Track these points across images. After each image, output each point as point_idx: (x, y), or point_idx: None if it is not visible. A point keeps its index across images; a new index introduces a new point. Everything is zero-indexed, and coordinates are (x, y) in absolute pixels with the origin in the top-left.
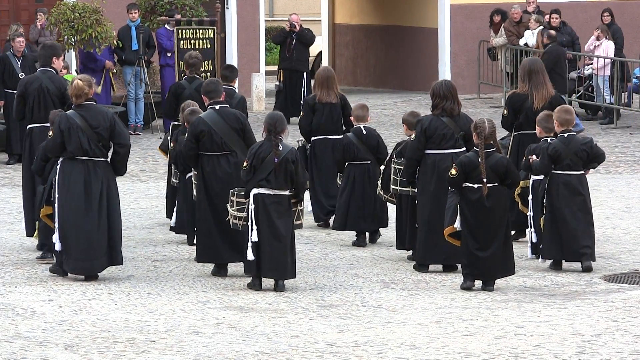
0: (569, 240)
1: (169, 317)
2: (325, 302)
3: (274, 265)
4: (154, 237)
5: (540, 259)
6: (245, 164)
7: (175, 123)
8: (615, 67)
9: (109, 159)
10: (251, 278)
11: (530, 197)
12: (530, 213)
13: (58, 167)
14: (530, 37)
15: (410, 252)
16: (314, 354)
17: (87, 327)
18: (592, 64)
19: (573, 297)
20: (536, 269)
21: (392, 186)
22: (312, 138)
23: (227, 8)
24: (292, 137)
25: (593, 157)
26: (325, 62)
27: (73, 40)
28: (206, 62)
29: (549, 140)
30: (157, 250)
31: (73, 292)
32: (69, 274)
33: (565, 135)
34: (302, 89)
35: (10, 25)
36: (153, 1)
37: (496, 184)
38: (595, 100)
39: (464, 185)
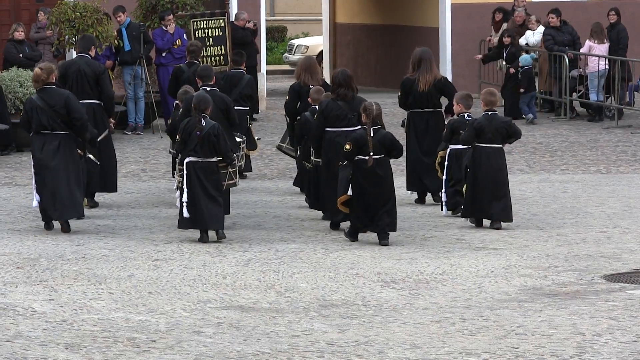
0: (486, 202)
1: (169, 316)
2: (326, 301)
3: (210, 218)
4: (154, 236)
5: (463, 218)
6: (177, 137)
7: (177, 103)
8: (617, 67)
9: (69, 131)
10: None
11: (446, 163)
12: (444, 177)
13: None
14: (530, 37)
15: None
16: (314, 354)
17: (88, 327)
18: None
19: (574, 297)
20: (537, 269)
21: (311, 157)
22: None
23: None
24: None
25: (511, 133)
26: (326, 61)
27: (74, 39)
28: (218, 47)
29: (465, 116)
30: (158, 249)
31: (74, 291)
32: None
33: (489, 113)
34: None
35: (11, 25)
36: (154, 0)
37: (383, 156)
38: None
39: (357, 158)
